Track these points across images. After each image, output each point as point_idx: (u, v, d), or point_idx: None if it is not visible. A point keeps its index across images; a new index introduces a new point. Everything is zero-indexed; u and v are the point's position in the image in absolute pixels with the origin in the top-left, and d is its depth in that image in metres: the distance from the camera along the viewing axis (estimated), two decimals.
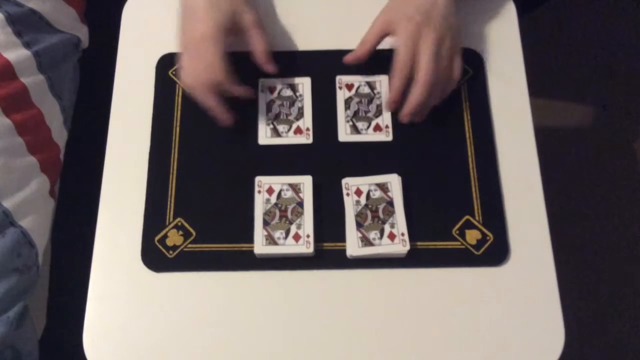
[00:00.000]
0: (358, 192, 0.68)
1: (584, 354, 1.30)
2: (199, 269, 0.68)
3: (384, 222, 0.67)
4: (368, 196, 0.68)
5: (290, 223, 0.67)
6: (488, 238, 0.68)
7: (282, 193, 0.69)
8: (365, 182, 0.69)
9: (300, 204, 0.68)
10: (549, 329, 0.66)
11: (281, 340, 0.66)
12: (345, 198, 0.69)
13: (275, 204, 0.68)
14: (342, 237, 0.68)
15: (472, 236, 0.69)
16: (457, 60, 0.71)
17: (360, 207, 0.68)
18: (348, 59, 0.73)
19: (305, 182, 0.69)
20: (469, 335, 0.66)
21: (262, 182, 0.69)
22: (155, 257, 0.68)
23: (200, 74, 0.68)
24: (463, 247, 0.68)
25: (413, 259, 0.68)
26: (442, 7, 0.69)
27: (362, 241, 0.67)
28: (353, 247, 0.67)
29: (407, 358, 0.65)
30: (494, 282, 0.68)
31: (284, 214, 0.68)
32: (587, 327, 1.32)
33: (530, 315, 0.66)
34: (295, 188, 0.69)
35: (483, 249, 0.68)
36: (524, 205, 0.71)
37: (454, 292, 0.67)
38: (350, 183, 0.69)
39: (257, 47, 0.71)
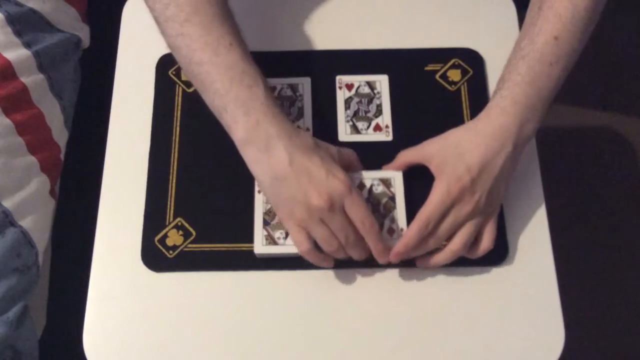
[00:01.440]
0: (361, 186, 0.68)
1: (584, 354, 1.30)
2: (199, 269, 0.68)
3: (384, 217, 0.67)
4: (370, 190, 0.69)
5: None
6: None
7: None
8: (368, 177, 0.69)
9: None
10: (549, 329, 0.66)
11: (281, 340, 0.66)
12: None
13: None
14: None
15: None
16: (489, 230, 0.65)
17: None
18: (385, 167, 0.70)
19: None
20: (469, 335, 0.66)
21: (353, 177, 0.68)
22: (155, 257, 0.68)
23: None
24: None
25: (413, 259, 0.68)
26: (495, 169, 0.62)
27: None
28: None
29: (407, 358, 0.65)
30: (494, 282, 0.68)
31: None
32: (587, 327, 1.32)
33: (530, 315, 0.66)
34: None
35: None
36: (524, 205, 0.71)
37: (454, 292, 0.67)
38: (354, 176, 0.69)
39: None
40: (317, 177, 0.59)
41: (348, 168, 0.67)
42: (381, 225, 0.67)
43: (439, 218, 0.62)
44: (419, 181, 0.68)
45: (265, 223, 0.67)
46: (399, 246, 0.63)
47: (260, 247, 0.67)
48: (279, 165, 0.59)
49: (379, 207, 0.68)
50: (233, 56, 0.61)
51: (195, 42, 0.61)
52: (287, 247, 0.66)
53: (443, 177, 0.63)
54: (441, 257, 0.65)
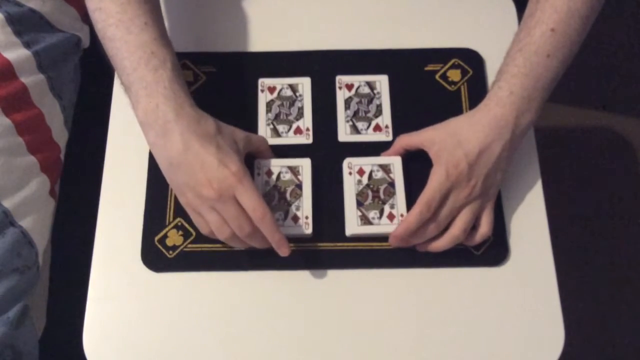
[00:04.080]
0: (361, 172, 0.69)
1: (584, 354, 1.30)
2: (199, 269, 0.68)
3: (384, 203, 0.68)
4: (370, 176, 0.69)
5: (289, 205, 0.68)
6: (488, 238, 0.68)
7: (281, 175, 0.69)
8: (368, 163, 0.69)
9: (299, 186, 0.68)
10: (549, 329, 0.66)
11: (281, 340, 0.66)
12: (347, 177, 0.69)
13: (274, 186, 0.68)
14: (341, 236, 0.68)
15: None
16: (486, 215, 0.66)
17: (361, 187, 0.68)
18: (383, 154, 0.71)
19: (304, 165, 0.69)
20: (469, 335, 0.66)
21: (261, 164, 0.69)
22: (155, 257, 0.68)
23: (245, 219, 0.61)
24: (463, 247, 0.68)
25: (413, 259, 0.68)
26: (492, 157, 0.63)
27: (361, 220, 0.67)
28: (352, 225, 0.67)
29: (407, 358, 0.65)
30: (494, 282, 0.68)
31: (283, 195, 0.68)
32: (587, 327, 1.32)
33: (530, 315, 0.66)
34: (293, 170, 0.69)
35: (483, 249, 0.68)
36: (523, 205, 0.71)
37: (454, 292, 0.67)
38: (353, 162, 0.69)
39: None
40: (208, 166, 0.60)
41: (259, 154, 0.68)
42: (381, 211, 0.67)
43: (439, 202, 0.63)
44: (416, 168, 0.69)
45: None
46: (400, 229, 0.64)
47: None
48: (174, 151, 0.60)
49: (379, 193, 0.68)
50: (145, 36, 0.62)
51: (110, 18, 0.63)
52: (286, 229, 0.66)
53: (442, 163, 0.64)
54: (442, 242, 0.66)
